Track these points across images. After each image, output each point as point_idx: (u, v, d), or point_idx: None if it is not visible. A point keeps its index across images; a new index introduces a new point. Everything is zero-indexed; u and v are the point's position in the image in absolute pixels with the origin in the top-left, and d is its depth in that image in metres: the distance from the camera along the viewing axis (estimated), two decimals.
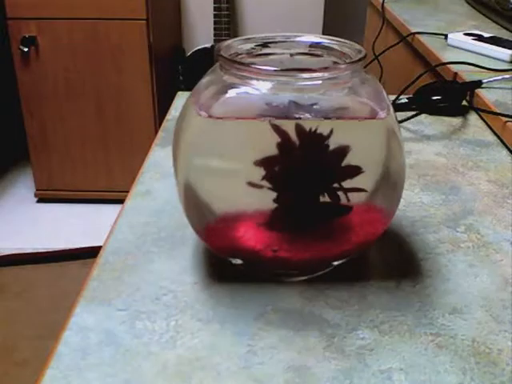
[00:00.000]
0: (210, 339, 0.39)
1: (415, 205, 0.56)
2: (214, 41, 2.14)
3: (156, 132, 2.09)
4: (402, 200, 0.56)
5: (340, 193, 0.40)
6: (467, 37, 1.02)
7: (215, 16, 2.13)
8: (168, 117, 0.76)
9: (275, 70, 0.39)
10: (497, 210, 0.55)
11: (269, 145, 0.39)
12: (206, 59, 2.15)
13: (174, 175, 0.44)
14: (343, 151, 0.40)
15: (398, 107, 0.79)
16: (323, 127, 0.39)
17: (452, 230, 0.52)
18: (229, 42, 0.44)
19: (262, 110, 0.41)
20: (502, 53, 0.95)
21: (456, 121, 0.76)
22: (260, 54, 0.45)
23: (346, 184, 0.40)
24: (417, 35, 1.12)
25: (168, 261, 0.46)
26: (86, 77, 1.90)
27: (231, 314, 0.41)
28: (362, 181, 0.40)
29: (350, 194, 0.41)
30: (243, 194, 0.41)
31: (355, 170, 0.40)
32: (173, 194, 0.56)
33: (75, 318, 0.40)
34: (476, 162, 0.65)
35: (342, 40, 0.44)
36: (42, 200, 2.11)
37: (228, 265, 0.45)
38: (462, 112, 0.79)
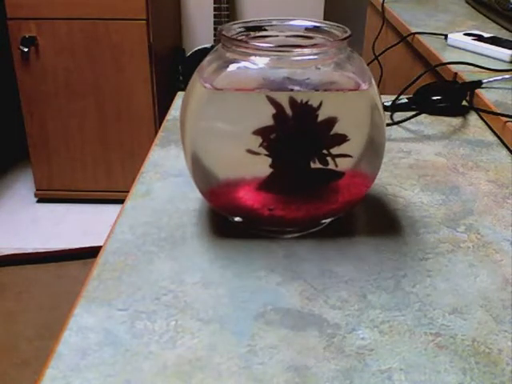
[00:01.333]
0: (209, 339, 0.39)
1: (415, 205, 0.56)
2: (214, 41, 2.14)
3: (156, 132, 2.09)
4: (402, 200, 0.56)
5: (328, 158, 0.46)
6: (467, 37, 1.03)
7: (215, 16, 2.13)
8: (168, 117, 0.76)
9: (271, 47, 0.45)
10: (497, 210, 0.55)
11: (265, 115, 0.44)
12: None
13: (182, 144, 0.49)
14: (331, 121, 0.45)
15: (398, 107, 0.79)
16: (313, 99, 0.44)
17: (452, 230, 0.52)
18: (229, 24, 0.49)
19: (260, 84, 0.46)
20: (502, 53, 0.95)
21: (456, 121, 0.76)
22: (258, 36, 0.50)
23: (334, 151, 0.46)
24: (417, 35, 1.12)
25: (168, 261, 0.47)
26: (86, 77, 1.90)
27: (231, 314, 0.41)
28: (348, 148, 0.46)
29: (337, 160, 0.46)
30: (243, 160, 0.46)
31: (342, 138, 0.46)
32: (173, 194, 0.56)
33: (75, 318, 0.40)
34: (476, 162, 0.65)
35: (332, 23, 0.50)
36: (41, 200, 2.12)
37: (229, 222, 0.50)
38: (462, 112, 0.79)
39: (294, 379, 0.36)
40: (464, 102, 0.81)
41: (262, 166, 0.46)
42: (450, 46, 1.04)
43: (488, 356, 0.38)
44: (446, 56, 0.97)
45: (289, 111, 0.44)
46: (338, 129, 0.45)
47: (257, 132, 0.45)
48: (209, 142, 0.46)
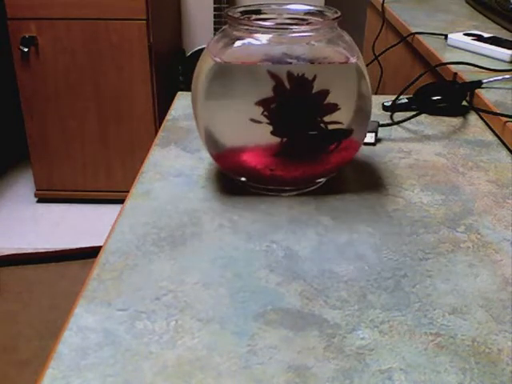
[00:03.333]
0: (209, 339, 0.39)
1: (415, 205, 0.56)
2: None
3: (156, 132, 2.10)
4: (401, 200, 0.56)
5: (322, 125, 0.53)
6: (467, 37, 1.03)
7: (215, 16, 2.13)
8: (168, 117, 0.76)
9: (272, 25, 0.52)
10: (497, 210, 0.55)
11: (266, 87, 0.51)
12: None
13: (194, 116, 0.56)
14: (324, 92, 0.52)
15: (398, 107, 0.79)
16: (308, 72, 0.51)
17: (452, 230, 0.52)
18: (233, 8, 0.56)
19: (262, 58, 0.52)
20: (502, 53, 0.95)
21: (456, 121, 0.76)
22: (259, 18, 0.57)
23: (327, 118, 0.53)
24: (417, 35, 1.12)
25: (168, 261, 0.47)
26: (85, 77, 1.90)
27: (231, 314, 0.41)
28: (339, 115, 0.53)
29: (329, 126, 0.53)
30: (247, 127, 0.52)
31: (334, 107, 0.52)
32: (173, 194, 0.56)
33: (75, 318, 0.40)
34: (476, 161, 0.65)
35: (324, 7, 0.56)
36: (41, 200, 2.12)
37: (236, 182, 0.58)
38: (462, 112, 0.79)
39: (293, 379, 0.36)
40: (464, 102, 0.81)
41: (263, 133, 0.52)
42: (449, 46, 1.04)
43: (488, 356, 0.38)
44: (446, 56, 0.97)
45: (287, 84, 0.51)
46: (330, 98, 0.52)
47: (259, 103, 0.51)
48: (217, 111, 0.53)
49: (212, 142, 0.55)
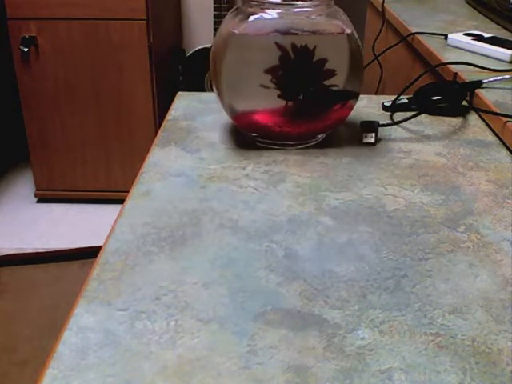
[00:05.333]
0: (209, 339, 0.39)
1: (415, 205, 0.56)
2: None
3: (156, 132, 2.10)
4: (401, 200, 0.56)
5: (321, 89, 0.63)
6: (467, 37, 1.02)
7: (215, 16, 2.13)
8: (168, 117, 0.76)
9: (280, 2, 0.62)
10: (497, 210, 0.55)
11: (274, 57, 0.61)
12: (206, 59, 2.15)
13: (214, 82, 0.66)
14: (323, 61, 0.62)
15: (398, 107, 0.79)
16: (310, 42, 0.61)
17: (452, 230, 0.52)
18: None
19: (272, 30, 0.63)
20: (502, 53, 0.95)
21: (456, 121, 0.76)
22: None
23: (326, 83, 0.63)
24: (417, 35, 1.12)
25: (168, 261, 0.47)
26: (85, 77, 1.90)
27: (231, 313, 0.41)
28: (336, 79, 0.63)
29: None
30: (258, 91, 0.63)
31: (331, 73, 0.63)
32: (173, 194, 0.56)
33: (75, 318, 0.40)
34: (476, 161, 0.65)
35: None
36: (41, 200, 2.12)
37: (248, 138, 0.68)
38: (462, 112, 0.79)
39: (294, 379, 0.36)
40: (464, 102, 0.81)
41: (272, 97, 0.63)
42: (449, 46, 1.04)
43: (488, 356, 0.38)
44: (446, 56, 0.97)
45: (291, 54, 0.61)
46: (328, 64, 0.62)
47: (268, 70, 0.62)
48: (235, 79, 0.63)
49: (230, 105, 0.65)
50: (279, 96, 0.62)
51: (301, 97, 0.63)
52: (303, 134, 0.67)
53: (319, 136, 0.68)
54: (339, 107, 0.65)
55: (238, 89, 0.63)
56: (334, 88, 0.63)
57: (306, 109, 0.64)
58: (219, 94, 0.65)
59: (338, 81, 0.63)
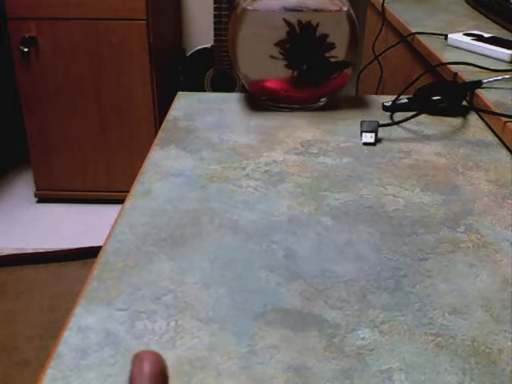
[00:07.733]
0: (209, 339, 0.39)
1: (415, 205, 0.56)
2: (214, 41, 2.14)
3: (156, 132, 2.10)
4: (401, 200, 0.56)
5: (323, 60, 0.75)
6: (467, 37, 1.02)
7: (215, 16, 2.13)
8: (168, 117, 0.76)
9: None
10: (497, 210, 0.55)
11: (282, 32, 0.72)
12: (206, 59, 2.15)
13: (231, 53, 0.77)
14: (324, 35, 0.73)
15: (398, 107, 0.79)
16: (313, 19, 0.72)
17: (452, 230, 0.52)
18: None
19: (281, 8, 0.72)
20: (502, 53, 0.95)
21: (456, 121, 0.76)
22: None
23: (326, 54, 0.74)
24: (417, 35, 1.12)
25: (168, 261, 0.47)
26: (85, 77, 1.90)
27: (231, 313, 0.41)
28: (336, 52, 0.74)
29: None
30: (268, 62, 0.73)
31: (331, 46, 0.74)
32: (173, 194, 0.56)
33: (75, 318, 0.40)
34: (476, 162, 0.65)
35: None
36: (41, 200, 2.12)
37: (259, 101, 0.80)
38: (462, 112, 0.79)
39: (293, 379, 0.36)
40: (464, 102, 0.81)
41: (281, 66, 0.74)
42: (449, 46, 1.04)
43: (488, 356, 0.38)
44: (446, 56, 0.97)
45: (297, 28, 0.72)
46: (329, 39, 0.73)
47: (277, 43, 0.72)
48: (249, 50, 0.74)
49: (245, 74, 0.76)
50: (286, 66, 0.73)
51: (305, 67, 0.74)
52: (306, 99, 0.77)
53: (321, 100, 0.78)
54: (337, 75, 0.76)
55: (251, 59, 0.75)
56: (332, 59, 0.74)
57: (308, 77, 0.75)
58: (235, 65, 0.76)
59: (338, 53, 0.74)
